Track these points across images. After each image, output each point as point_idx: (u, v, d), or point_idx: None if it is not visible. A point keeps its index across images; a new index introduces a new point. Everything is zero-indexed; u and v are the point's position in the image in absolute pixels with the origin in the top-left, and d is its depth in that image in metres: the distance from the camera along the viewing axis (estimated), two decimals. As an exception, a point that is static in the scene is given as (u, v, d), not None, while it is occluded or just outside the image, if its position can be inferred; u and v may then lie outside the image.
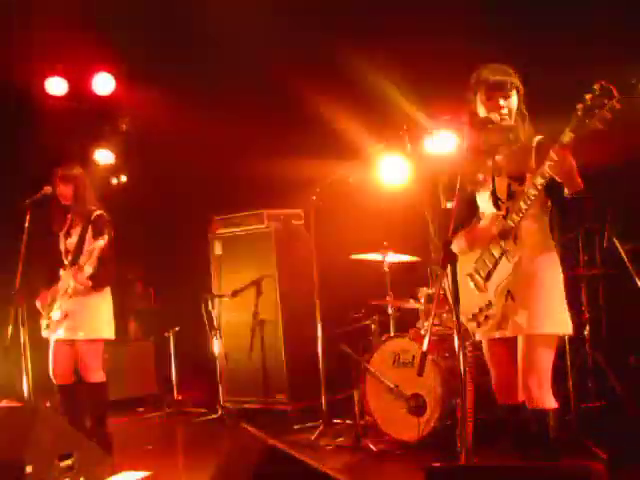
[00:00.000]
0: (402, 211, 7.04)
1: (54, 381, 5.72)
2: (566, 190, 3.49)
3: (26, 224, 5.61)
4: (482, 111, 3.75)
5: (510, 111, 3.73)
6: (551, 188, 3.57)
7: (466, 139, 3.76)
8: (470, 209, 3.93)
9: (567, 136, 3.35)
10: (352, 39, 7.30)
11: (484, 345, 3.93)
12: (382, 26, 7.23)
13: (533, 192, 3.56)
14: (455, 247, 3.78)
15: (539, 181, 3.52)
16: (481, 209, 3.91)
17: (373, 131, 6.73)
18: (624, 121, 3.38)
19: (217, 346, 7.42)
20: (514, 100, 3.75)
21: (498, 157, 3.81)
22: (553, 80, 5.71)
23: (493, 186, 3.80)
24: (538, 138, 3.72)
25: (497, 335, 3.79)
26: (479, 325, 3.80)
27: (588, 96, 3.25)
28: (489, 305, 3.76)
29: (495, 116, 3.72)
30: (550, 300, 3.69)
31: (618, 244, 5.86)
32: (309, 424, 6.55)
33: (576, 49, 6.17)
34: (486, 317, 3.77)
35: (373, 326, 6.40)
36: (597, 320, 6.44)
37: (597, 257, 6.30)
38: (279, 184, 7.64)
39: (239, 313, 7.44)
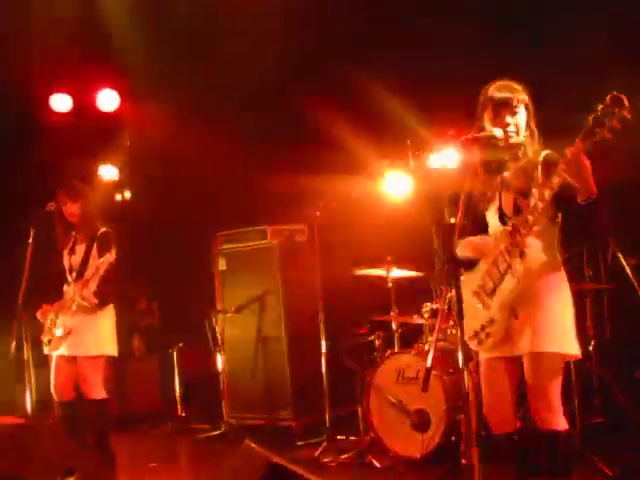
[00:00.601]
0: (406, 226, 7.03)
1: (55, 397, 5.71)
2: (580, 197, 3.44)
3: (29, 240, 5.61)
4: (490, 128, 3.72)
5: (518, 128, 3.71)
6: (561, 199, 3.53)
7: (475, 156, 3.74)
8: (480, 227, 3.88)
9: (578, 146, 3.33)
10: (355, 55, 7.33)
11: (482, 364, 3.85)
12: (385, 42, 7.25)
13: (541, 205, 3.52)
14: (459, 250, 3.76)
15: (547, 192, 3.48)
16: (490, 226, 3.87)
17: (377, 146, 6.73)
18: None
19: (221, 362, 7.40)
20: (522, 117, 3.72)
21: (506, 173, 3.79)
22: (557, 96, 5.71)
23: (499, 201, 3.78)
24: (545, 153, 3.70)
25: (498, 354, 3.73)
26: (480, 342, 3.75)
27: (600, 106, 3.25)
28: (491, 322, 3.70)
29: (501, 132, 3.69)
30: (555, 319, 3.64)
31: (622, 259, 5.85)
32: (313, 440, 6.52)
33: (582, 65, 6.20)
34: (487, 334, 3.72)
35: (377, 342, 6.38)
36: (602, 335, 6.42)
37: (602, 272, 6.29)
38: (282, 200, 7.64)
39: (243, 329, 7.42)
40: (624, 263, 5.80)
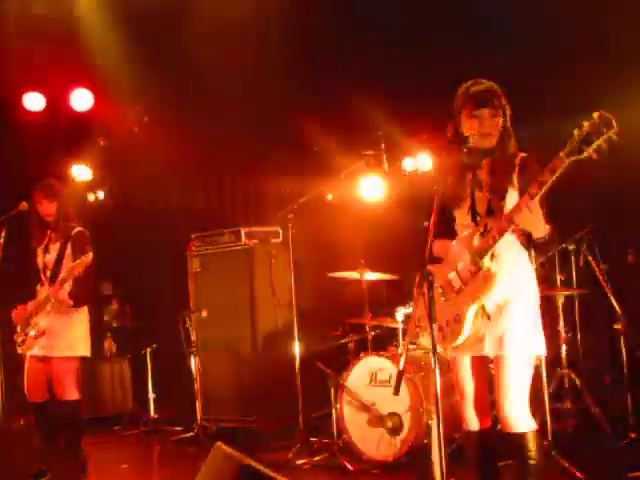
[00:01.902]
0: (380, 229, 7.06)
1: (28, 398, 5.66)
2: (534, 235, 3.54)
3: (1, 240, 5.56)
4: (466, 127, 3.72)
5: (494, 128, 3.70)
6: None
7: (448, 159, 3.75)
8: (447, 225, 3.89)
9: (563, 161, 3.31)
10: (332, 59, 7.34)
11: (454, 363, 3.87)
12: (361, 46, 7.27)
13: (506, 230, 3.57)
14: (435, 249, 3.81)
15: (510, 228, 3.55)
16: (458, 225, 3.86)
17: (351, 149, 6.75)
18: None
19: (194, 364, 7.37)
20: (499, 118, 3.71)
21: (480, 171, 3.77)
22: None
23: (472, 201, 3.77)
24: (522, 156, 3.70)
25: (467, 353, 3.76)
26: (444, 338, 3.74)
27: (586, 123, 3.23)
28: (457, 319, 3.70)
29: (473, 134, 3.69)
30: (526, 320, 3.66)
31: (594, 264, 5.91)
32: (286, 442, 6.51)
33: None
34: (452, 331, 3.72)
35: (350, 344, 6.40)
36: (573, 339, 6.48)
37: (574, 276, 6.35)
38: (257, 201, 7.66)
39: (216, 331, 7.40)
40: (596, 268, 5.86)
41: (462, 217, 3.83)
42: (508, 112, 3.75)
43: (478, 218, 3.74)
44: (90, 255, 5.37)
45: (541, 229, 3.50)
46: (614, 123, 3.20)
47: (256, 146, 7.86)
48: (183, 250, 7.69)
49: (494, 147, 3.73)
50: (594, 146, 3.22)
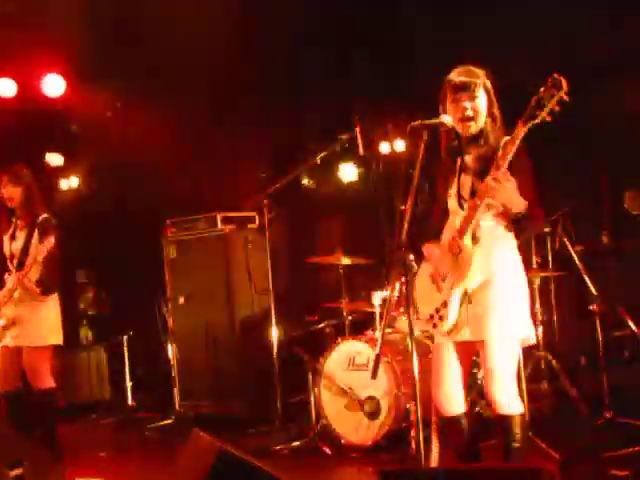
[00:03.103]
0: (356, 213, 7.06)
1: (0, 388, 5.61)
2: (510, 212, 3.54)
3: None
4: (450, 112, 3.70)
5: (476, 112, 3.67)
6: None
7: (423, 143, 3.73)
8: (443, 213, 3.87)
9: (520, 129, 3.35)
10: (306, 40, 7.30)
11: (436, 347, 3.86)
12: (339, 27, 7.23)
13: (484, 190, 3.54)
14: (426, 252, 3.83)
15: (481, 205, 3.55)
16: (450, 210, 3.85)
17: (327, 133, 6.72)
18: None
19: (171, 350, 7.34)
20: (481, 101, 3.68)
21: (467, 157, 3.76)
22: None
23: (458, 185, 3.76)
24: (506, 139, 3.64)
25: (452, 338, 3.73)
26: (435, 326, 3.76)
27: (542, 89, 3.28)
28: (445, 305, 3.70)
29: (450, 119, 3.68)
30: (510, 303, 3.65)
31: (569, 246, 5.94)
32: (264, 428, 6.51)
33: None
34: (441, 317, 3.73)
35: (328, 329, 6.40)
36: (549, 321, 6.53)
37: (549, 259, 6.38)
38: (233, 187, 7.62)
39: (193, 317, 7.37)
40: (571, 250, 5.89)
41: (451, 203, 3.82)
42: (492, 95, 3.73)
43: (463, 202, 3.73)
44: (52, 240, 5.29)
45: (516, 203, 3.49)
46: (564, 84, 3.25)
47: (231, 130, 7.81)
48: (159, 236, 7.64)
49: (480, 132, 3.71)
50: (547, 109, 3.27)
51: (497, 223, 3.70)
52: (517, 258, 3.76)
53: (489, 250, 3.67)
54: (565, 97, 3.24)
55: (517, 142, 3.39)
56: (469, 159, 3.77)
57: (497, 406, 3.65)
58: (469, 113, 3.67)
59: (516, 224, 3.66)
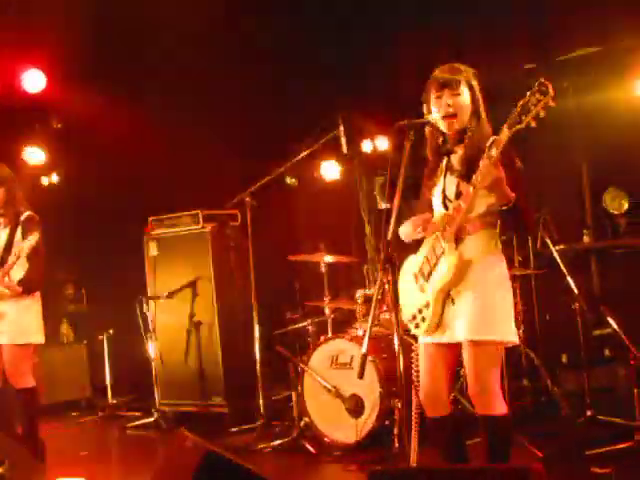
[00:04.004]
0: (338, 211, 7.06)
1: (-20, 386, 5.56)
2: (497, 203, 3.51)
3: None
4: (434, 110, 3.68)
5: (459, 109, 3.65)
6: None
7: (408, 142, 3.72)
8: (418, 208, 3.88)
9: (504, 133, 3.34)
10: (290, 39, 7.29)
11: (420, 348, 3.83)
12: (320, 26, 7.24)
13: (472, 191, 3.51)
14: (402, 233, 3.78)
15: (470, 190, 3.50)
16: (435, 210, 3.84)
17: (310, 132, 6.72)
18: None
19: (152, 349, 7.31)
20: (463, 99, 3.66)
21: (453, 156, 3.74)
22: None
23: (443, 185, 3.74)
24: (493, 139, 3.58)
25: (435, 339, 3.72)
26: (417, 326, 3.76)
27: (528, 93, 3.26)
28: (427, 306, 3.69)
29: (437, 117, 3.67)
30: (493, 305, 3.61)
31: (551, 245, 5.97)
32: (246, 426, 6.50)
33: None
34: (423, 318, 3.72)
35: (310, 327, 6.39)
36: (531, 319, 6.56)
37: (530, 258, 6.42)
38: (215, 184, 7.59)
39: (175, 315, 7.35)
40: (553, 249, 5.92)
41: (436, 202, 3.80)
42: (478, 94, 3.72)
43: (447, 202, 3.71)
44: (37, 236, 5.25)
45: (505, 193, 3.45)
46: (550, 89, 3.22)
47: (215, 128, 7.78)
48: (140, 233, 7.61)
49: (464, 130, 3.70)
50: (532, 114, 3.24)
51: (482, 224, 3.67)
52: (502, 260, 3.73)
53: (473, 251, 3.65)
54: (552, 103, 3.22)
55: (501, 146, 3.36)
56: (454, 159, 3.75)
57: (481, 407, 3.64)
58: (451, 110, 3.65)
59: (503, 217, 3.64)
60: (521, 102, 3.28)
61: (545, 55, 6.62)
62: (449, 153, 3.76)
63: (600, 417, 5.57)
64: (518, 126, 3.30)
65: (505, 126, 3.34)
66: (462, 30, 6.62)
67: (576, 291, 5.82)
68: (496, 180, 3.40)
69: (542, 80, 3.25)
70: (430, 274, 3.72)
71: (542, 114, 3.24)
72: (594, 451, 4.89)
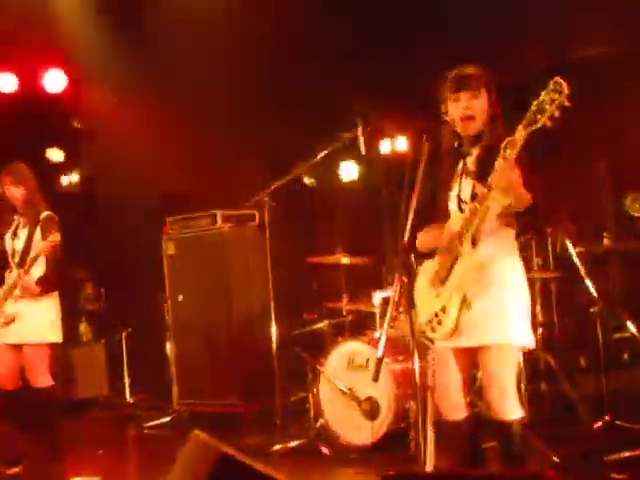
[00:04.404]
0: (357, 213, 7.04)
1: (0, 386, 5.59)
2: (512, 203, 3.46)
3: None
4: (451, 110, 3.67)
5: (476, 110, 3.62)
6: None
7: (427, 142, 3.70)
8: (442, 214, 3.82)
9: (520, 133, 3.30)
10: (309, 40, 7.28)
11: (436, 352, 3.83)
12: (340, 29, 7.22)
13: (484, 192, 3.48)
14: (419, 242, 3.75)
15: (484, 191, 3.47)
16: (450, 212, 3.80)
17: (329, 132, 6.70)
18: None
19: (169, 348, 7.32)
20: (481, 102, 3.63)
21: (469, 158, 3.71)
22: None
23: (459, 188, 3.71)
24: (508, 140, 3.52)
25: (452, 344, 3.70)
26: (433, 330, 3.73)
27: (543, 92, 3.22)
28: (443, 310, 3.67)
29: (456, 118, 3.65)
30: (510, 310, 3.59)
31: (571, 247, 5.92)
32: (262, 427, 6.50)
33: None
34: (439, 322, 3.69)
35: (327, 328, 6.38)
36: (550, 322, 6.51)
37: (550, 260, 6.36)
38: (234, 184, 7.59)
39: (192, 314, 7.35)
40: (572, 252, 5.87)
41: (451, 206, 3.77)
42: (495, 96, 3.68)
43: (463, 205, 3.68)
44: (57, 236, 5.28)
45: (521, 195, 3.41)
46: (565, 88, 3.18)
47: (233, 129, 7.79)
48: (158, 233, 7.62)
49: (480, 132, 3.67)
50: (547, 114, 3.20)
51: (499, 226, 3.63)
52: (518, 262, 3.71)
53: (490, 254, 3.61)
54: (566, 102, 3.17)
55: (517, 147, 3.33)
56: (470, 161, 3.72)
57: (496, 412, 3.61)
58: (469, 112, 3.63)
59: (520, 219, 3.60)
60: (536, 102, 3.24)
61: (564, 53, 6.57)
62: (465, 156, 3.73)
63: (618, 422, 5.52)
64: (534, 126, 3.26)
65: (521, 126, 3.30)
66: (479, 30, 6.58)
67: (595, 294, 5.77)
68: (512, 182, 3.37)
69: (557, 79, 3.21)
70: (446, 278, 3.69)
71: (557, 114, 3.20)
72: (612, 456, 4.85)
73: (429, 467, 3.90)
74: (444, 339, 3.71)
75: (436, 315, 3.70)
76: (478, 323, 3.59)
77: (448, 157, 3.80)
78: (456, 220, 3.70)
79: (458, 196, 3.71)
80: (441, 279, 3.71)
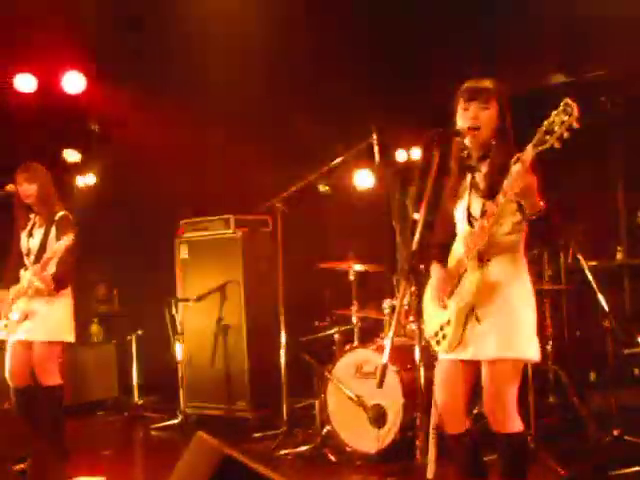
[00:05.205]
0: (370, 220, 7.04)
1: (10, 383, 5.62)
2: (525, 210, 3.45)
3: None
4: (460, 121, 3.67)
5: (484, 123, 3.62)
6: (521, 206, 3.49)
7: (438, 152, 3.70)
8: (449, 225, 3.84)
9: (529, 152, 3.29)
10: (325, 48, 7.30)
11: (439, 364, 3.82)
12: (355, 37, 7.23)
13: (496, 210, 3.48)
14: (432, 277, 3.78)
15: (500, 199, 3.45)
16: (457, 224, 3.82)
17: (343, 140, 6.72)
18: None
19: (180, 351, 7.34)
20: (490, 113, 3.64)
21: (477, 173, 3.71)
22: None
23: (468, 202, 3.71)
24: (517, 156, 3.53)
25: (455, 356, 3.70)
26: (438, 343, 3.74)
27: (553, 113, 3.21)
28: (448, 323, 3.68)
29: (465, 129, 3.65)
30: (518, 325, 3.59)
31: (582, 260, 5.90)
32: (269, 432, 6.49)
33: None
34: (444, 336, 3.71)
35: (337, 335, 6.38)
36: (560, 335, 6.49)
37: (561, 273, 6.34)
38: (248, 190, 7.61)
39: (203, 318, 7.37)
40: (584, 265, 5.85)
41: (459, 217, 3.78)
42: (506, 111, 3.68)
43: (473, 220, 3.68)
44: (71, 237, 5.31)
45: (535, 201, 3.40)
46: (575, 111, 3.16)
47: (248, 134, 7.81)
48: (172, 236, 7.65)
49: (488, 145, 3.66)
50: (556, 135, 3.18)
51: (509, 243, 3.64)
52: (526, 277, 3.70)
53: (500, 271, 3.62)
54: (575, 124, 3.16)
55: (527, 166, 3.31)
56: (479, 177, 3.72)
57: (497, 424, 3.61)
58: (476, 122, 3.62)
59: (532, 228, 3.58)
60: (546, 122, 3.23)
61: (580, 68, 6.56)
62: (473, 170, 3.73)
63: (627, 437, 5.49)
64: (542, 147, 3.24)
65: (530, 146, 3.29)
66: (495, 43, 6.58)
67: (607, 308, 5.75)
68: (527, 186, 3.35)
69: (567, 101, 3.19)
70: (452, 292, 3.71)
71: (566, 135, 3.17)
72: (620, 471, 4.82)
73: (430, 475, 3.89)
74: (448, 352, 3.72)
75: (441, 328, 3.72)
76: (484, 337, 3.59)
77: (456, 167, 3.80)
78: (465, 234, 3.71)
79: (468, 210, 3.71)
80: (447, 292, 3.72)
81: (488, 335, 3.58)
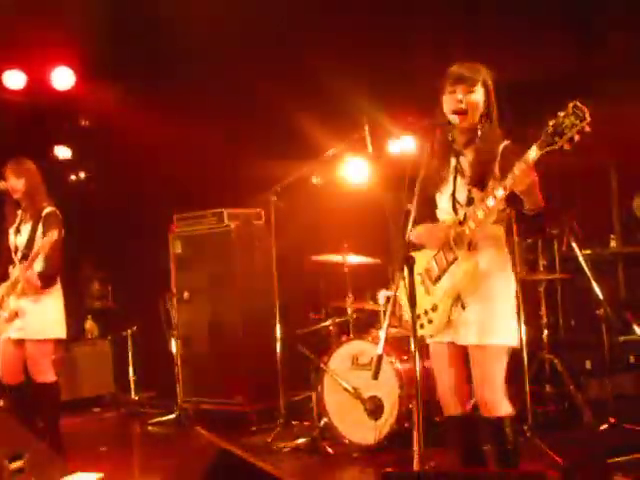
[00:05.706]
0: (363, 212, 7.02)
1: (3, 381, 5.61)
2: (526, 206, 3.45)
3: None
4: (446, 105, 3.65)
5: (470, 107, 3.60)
6: (513, 200, 3.48)
7: (432, 142, 3.70)
8: (428, 208, 3.81)
9: (534, 152, 3.25)
10: (317, 41, 7.28)
11: (431, 348, 3.86)
12: (346, 28, 7.21)
13: (491, 203, 3.48)
14: (413, 236, 3.72)
15: (499, 193, 3.43)
16: (439, 209, 3.81)
17: (335, 132, 6.70)
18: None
19: (175, 346, 7.33)
20: (476, 97, 3.61)
21: (463, 158, 3.70)
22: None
23: (453, 188, 3.71)
24: (505, 143, 3.61)
25: (442, 338, 3.75)
26: (422, 327, 3.75)
27: (561, 114, 3.15)
28: (434, 309, 3.71)
29: (457, 119, 3.64)
30: (502, 311, 3.64)
31: (577, 249, 5.90)
32: (266, 425, 6.50)
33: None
34: (430, 320, 3.73)
35: (332, 327, 6.37)
36: (555, 324, 6.49)
37: (556, 262, 6.34)
38: (240, 183, 7.60)
39: (197, 313, 7.37)
40: (579, 253, 5.85)
41: (442, 202, 3.78)
42: (491, 94, 3.67)
43: (458, 206, 3.69)
44: (55, 233, 5.28)
45: (537, 198, 3.41)
46: (587, 115, 3.11)
47: (240, 127, 7.79)
48: (165, 231, 7.63)
49: (474, 129, 3.66)
50: (567, 138, 3.13)
51: (493, 231, 3.67)
52: (509, 266, 3.75)
53: (487, 259, 3.64)
54: (587, 128, 3.11)
55: (531, 166, 3.27)
56: (465, 162, 3.71)
57: (487, 408, 3.65)
58: (462, 106, 3.60)
59: (527, 222, 3.61)
60: (552, 122, 3.17)
61: (577, 58, 6.55)
62: (458, 155, 3.72)
63: (624, 425, 5.50)
64: (550, 147, 3.19)
65: (535, 145, 3.24)
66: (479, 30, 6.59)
67: (601, 296, 5.75)
68: (532, 184, 3.36)
69: (577, 104, 3.14)
70: (439, 278, 3.71)
71: (577, 138, 3.13)
72: (616, 459, 4.82)
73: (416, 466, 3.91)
74: (434, 335, 3.76)
75: (425, 313, 3.74)
76: (467, 323, 3.64)
77: (440, 150, 3.76)
78: (449, 221, 3.71)
79: (453, 195, 3.71)
80: (433, 277, 3.73)
81: (470, 322, 3.63)
